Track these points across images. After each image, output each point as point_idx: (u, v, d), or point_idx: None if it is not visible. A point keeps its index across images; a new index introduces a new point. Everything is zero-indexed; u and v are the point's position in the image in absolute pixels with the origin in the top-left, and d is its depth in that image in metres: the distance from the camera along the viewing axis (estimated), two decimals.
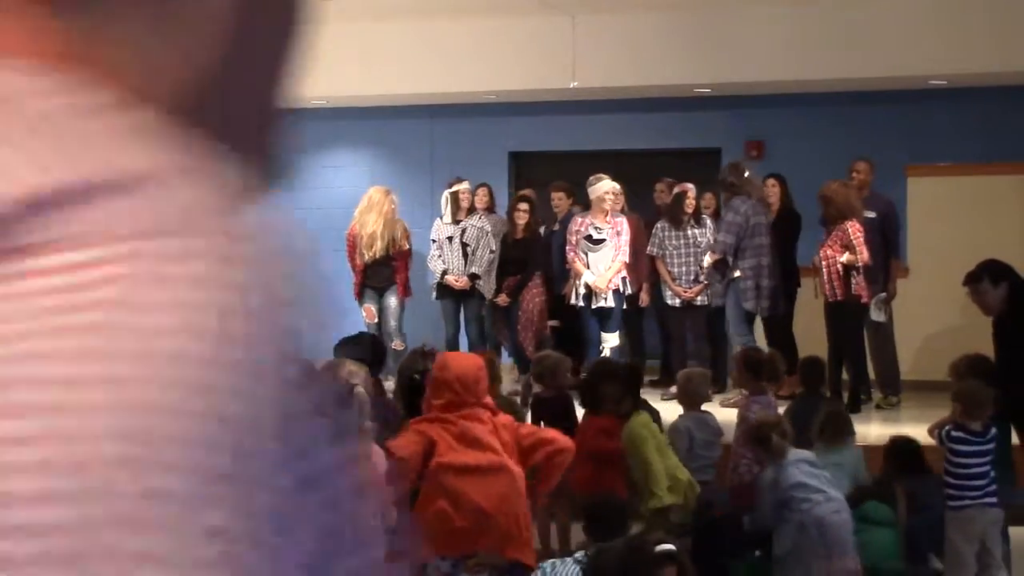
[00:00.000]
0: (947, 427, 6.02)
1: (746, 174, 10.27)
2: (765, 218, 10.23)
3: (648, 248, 10.93)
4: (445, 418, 4.46)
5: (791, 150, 12.15)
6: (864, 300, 9.79)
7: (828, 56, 11.33)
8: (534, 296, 11.10)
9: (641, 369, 6.78)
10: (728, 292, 10.22)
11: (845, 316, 9.81)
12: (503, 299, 11.12)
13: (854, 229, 9.71)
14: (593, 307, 10.42)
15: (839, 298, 9.75)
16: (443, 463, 4.38)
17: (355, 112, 13.46)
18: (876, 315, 9.96)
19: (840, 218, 9.74)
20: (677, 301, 10.73)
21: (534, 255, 10.99)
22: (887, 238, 10.12)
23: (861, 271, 9.71)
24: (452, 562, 4.39)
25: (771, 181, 10.88)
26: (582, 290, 10.45)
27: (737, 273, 10.17)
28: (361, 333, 6.36)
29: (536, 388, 7.38)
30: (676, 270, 10.74)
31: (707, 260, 10.42)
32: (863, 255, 9.65)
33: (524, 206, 11.14)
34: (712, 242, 10.48)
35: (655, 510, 5.87)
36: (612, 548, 4.41)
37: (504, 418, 4.59)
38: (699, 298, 10.64)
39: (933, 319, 10.66)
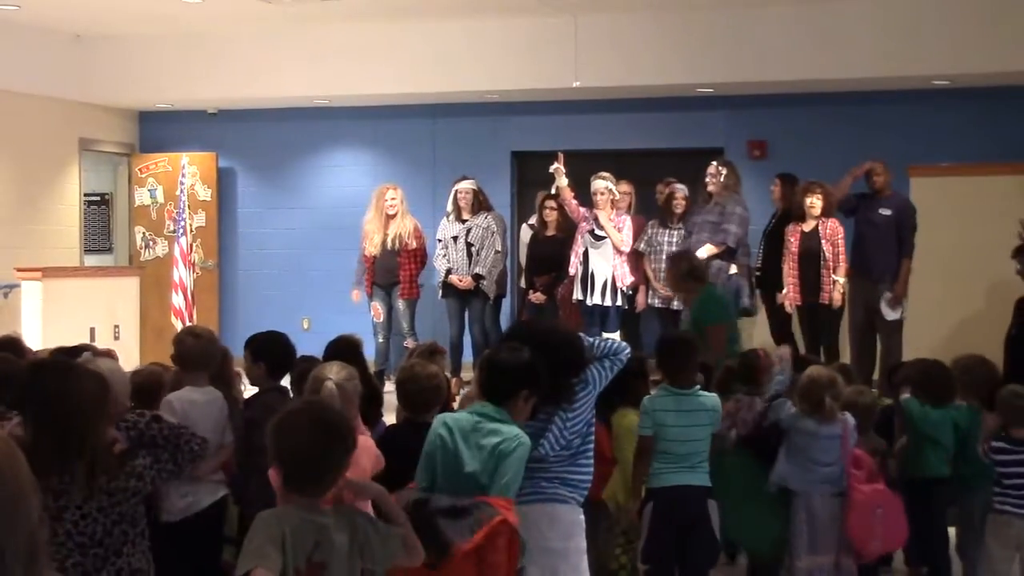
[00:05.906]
0: (989, 440, 5.62)
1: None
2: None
3: (634, 243, 10.85)
4: None
5: (793, 150, 12.13)
6: (838, 300, 9.86)
7: (830, 56, 11.30)
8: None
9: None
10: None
11: (826, 316, 9.93)
12: (537, 296, 11.07)
13: (834, 229, 9.89)
14: (589, 304, 10.42)
15: (822, 299, 9.84)
16: None
17: (355, 112, 13.45)
18: (889, 314, 9.88)
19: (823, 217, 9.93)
20: (657, 301, 10.54)
21: (569, 252, 10.84)
22: (900, 237, 10.04)
23: (842, 271, 9.86)
24: None
25: (776, 181, 10.83)
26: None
27: (733, 269, 10.15)
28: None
29: None
30: (658, 266, 10.49)
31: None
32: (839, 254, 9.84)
33: (554, 203, 11.09)
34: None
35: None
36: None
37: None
38: (675, 302, 10.08)
39: (936, 318, 10.61)
